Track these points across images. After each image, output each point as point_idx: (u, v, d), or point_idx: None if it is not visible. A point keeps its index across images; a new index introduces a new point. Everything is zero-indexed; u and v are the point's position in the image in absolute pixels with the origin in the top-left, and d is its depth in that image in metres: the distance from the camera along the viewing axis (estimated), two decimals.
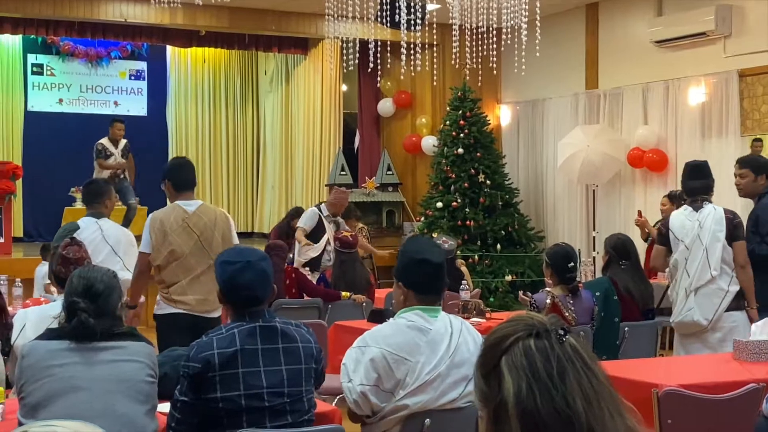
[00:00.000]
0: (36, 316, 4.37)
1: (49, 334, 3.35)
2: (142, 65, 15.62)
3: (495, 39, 9.15)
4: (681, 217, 5.99)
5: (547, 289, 5.93)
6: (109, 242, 5.88)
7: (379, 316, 6.61)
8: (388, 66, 10.11)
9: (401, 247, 3.89)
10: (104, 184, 6.65)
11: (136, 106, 15.53)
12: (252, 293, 3.46)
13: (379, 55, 8.82)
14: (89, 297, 3.31)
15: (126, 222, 10.62)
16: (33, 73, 14.85)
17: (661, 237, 6.15)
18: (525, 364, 1.62)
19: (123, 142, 11.78)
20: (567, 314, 5.70)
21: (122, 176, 11.72)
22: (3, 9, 11.22)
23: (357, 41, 9.29)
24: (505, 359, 1.64)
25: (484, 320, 6.60)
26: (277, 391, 3.38)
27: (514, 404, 1.60)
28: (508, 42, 8.35)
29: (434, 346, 3.53)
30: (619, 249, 6.41)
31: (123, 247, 5.95)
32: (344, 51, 9.25)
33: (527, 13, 8.03)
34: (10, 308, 6.49)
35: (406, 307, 3.63)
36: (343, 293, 7.63)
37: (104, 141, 11.67)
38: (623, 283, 6.27)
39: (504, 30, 8.18)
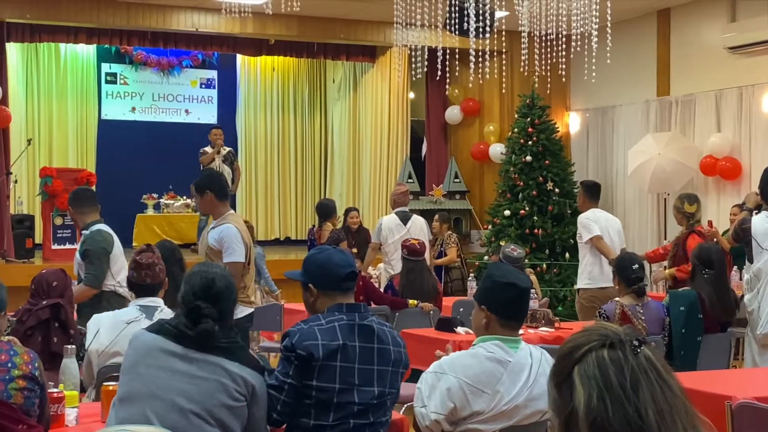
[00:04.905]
0: (110, 321, 4.44)
1: (156, 327, 3.31)
2: (213, 74, 15.84)
3: (564, 46, 9.08)
4: (765, 224, 5.83)
5: (616, 299, 5.85)
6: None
7: (447, 325, 6.60)
8: (456, 73, 10.10)
9: (486, 271, 3.78)
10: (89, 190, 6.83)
11: (207, 114, 15.74)
12: (352, 268, 3.54)
13: (447, 62, 8.82)
14: (209, 299, 3.26)
15: None
16: (107, 82, 15.15)
17: (739, 240, 6.02)
18: (597, 375, 1.61)
19: (226, 149, 11.93)
20: (637, 324, 5.62)
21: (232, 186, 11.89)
22: (78, 19, 11.47)
23: (425, 49, 9.29)
24: (577, 369, 1.64)
25: (553, 330, 6.54)
26: (366, 390, 3.42)
27: (585, 414, 1.59)
28: (578, 49, 8.28)
29: (514, 377, 3.46)
30: (702, 258, 6.23)
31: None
32: (412, 59, 9.26)
33: (598, 20, 7.96)
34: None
35: (487, 334, 3.53)
36: (411, 301, 7.61)
37: (207, 148, 11.86)
38: (707, 295, 6.09)
39: (574, 37, 8.12)
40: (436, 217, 10.55)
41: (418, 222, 9.17)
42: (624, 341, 1.64)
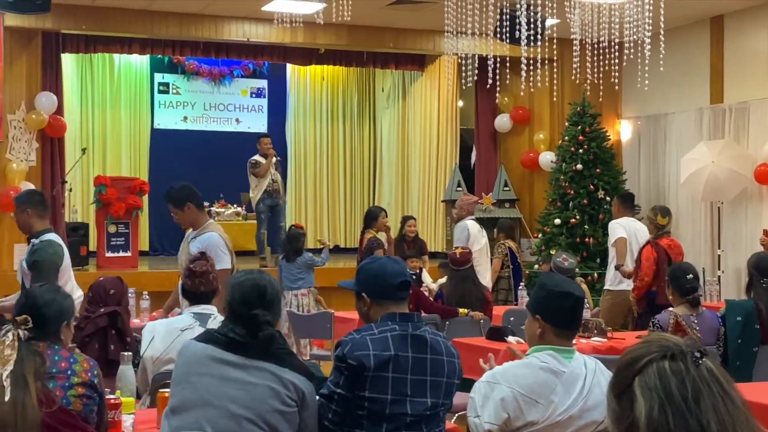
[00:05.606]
0: (164, 329, 4.50)
1: (205, 337, 3.32)
2: (263, 83, 15.97)
3: (617, 53, 9.02)
4: None
5: (670, 309, 5.78)
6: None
7: (498, 334, 6.56)
8: (507, 81, 10.08)
9: (539, 280, 3.77)
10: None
11: (257, 123, 15.86)
12: (405, 278, 3.53)
13: (497, 70, 8.80)
14: (264, 306, 3.28)
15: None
16: (159, 91, 15.35)
17: None
18: (659, 386, 1.61)
19: (275, 159, 12.00)
20: (691, 334, 5.55)
21: (276, 193, 11.92)
22: (132, 30, 11.64)
23: (476, 57, 9.28)
24: (638, 380, 1.64)
25: (605, 340, 6.48)
26: (419, 401, 3.40)
27: (646, 426, 1.60)
28: (631, 56, 8.22)
29: (568, 387, 3.42)
30: (759, 267, 6.12)
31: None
32: (462, 67, 9.25)
33: (650, 27, 7.89)
34: (137, 320, 6.72)
35: (541, 344, 3.50)
36: (461, 310, 7.59)
37: (257, 157, 11.91)
38: (765, 304, 5.99)
39: (626, 44, 8.06)
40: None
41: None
42: (685, 352, 1.63)
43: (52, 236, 5.81)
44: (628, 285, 8.28)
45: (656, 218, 8.19)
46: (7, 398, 3.02)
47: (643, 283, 7.93)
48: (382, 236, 9.66)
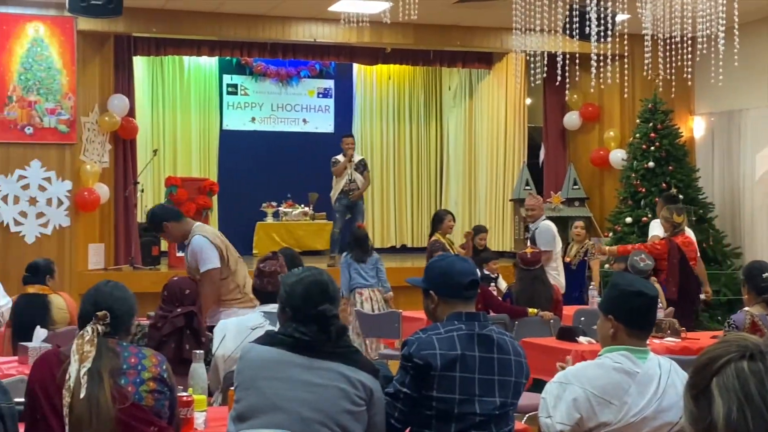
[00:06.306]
0: (235, 327, 4.54)
1: (269, 339, 3.29)
2: (330, 83, 16.05)
3: (689, 48, 8.86)
4: None
5: (746, 308, 5.67)
6: None
7: (568, 334, 6.50)
8: (576, 78, 9.96)
9: (611, 280, 3.72)
10: None
11: (324, 123, 15.95)
12: (473, 276, 3.50)
13: (566, 67, 8.70)
14: (330, 300, 3.26)
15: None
16: (228, 93, 15.52)
17: None
18: (737, 387, 1.59)
19: (357, 157, 12.04)
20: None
21: (352, 193, 11.95)
22: (201, 32, 11.79)
23: (545, 54, 9.20)
24: (716, 381, 1.62)
25: (679, 340, 6.37)
26: (487, 401, 3.37)
27: (725, 427, 1.58)
28: (704, 51, 8.06)
29: (642, 388, 3.37)
30: None
31: None
32: (531, 64, 9.17)
33: (724, 21, 7.73)
34: (207, 320, 6.80)
35: (614, 344, 3.46)
36: (530, 310, 7.54)
37: (339, 157, 11.98)
38: None
39: (699, 39, 7.91)
40: (580, 223, 10.53)
41: None
42: (764, 352, 1.61)
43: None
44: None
45: (672, 216, 8.56)
46: (82, 395, 3.05)
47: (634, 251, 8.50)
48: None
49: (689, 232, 8.98)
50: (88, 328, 3.19)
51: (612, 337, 3.46)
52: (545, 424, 3.42)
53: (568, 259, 10.00)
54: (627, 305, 3.42)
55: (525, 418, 5.39)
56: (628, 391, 3.35)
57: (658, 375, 3.39)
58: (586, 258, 10.16)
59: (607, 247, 9.40)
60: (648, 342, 3.53)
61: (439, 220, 9.66)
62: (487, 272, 8.90)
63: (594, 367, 3.44)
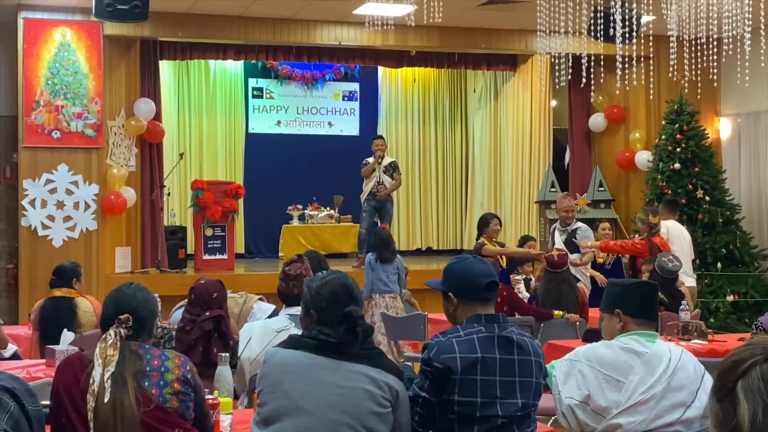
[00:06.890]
0: (260, 330, 4.56)
1: (293, 342, 3.28)
2: (355, 86, 16.07)
3: (715, 49, 8.81)
4: None
5: None
6: None
7: (594, 337, 6.47)
8: (601, 80, 9.93)
9: (608, 281, 4.01)
10: None
11: (349, 126, 15.98)
12: (492, 278, 3.48)
13: (591, 69, 8.68)
14: (355, 302, 3.25)
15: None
16: (253, 96, 15.58)
17: None
18: (763, 390, 1.58)
19: (388, 159, 12.01)
20: None
21: (381, 192, 11.84)
22: (227, 36, 11.84)
23: (569, 56, 9.19)
24: (741, 384, 1.61)
25: (706, 342, 6.33)
26: (509, 402, 3.36)
27: (749, 429, 1.57)
28: (730, 52, 8.01)
29: (650, 367, 3.52)
30: None
31: None
32: (555, 66, 9.15)
33: (750, 22, 7.67)
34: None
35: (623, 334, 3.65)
36: (556, 312, 7.52)
37: (369, 159, 11.93)
38: None
39: (725, 40, 7.86)
40: (606, 225, 10.54)
41: None
42: None
43: None
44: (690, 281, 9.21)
45: (647, 218, 8.93)
46: (107, 399, 3.06)
47: (615, 248, 9.22)
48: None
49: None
50: (111, 332, 3.19)
51: (620, 332, 3.67)
52: (556, 398, 3.64)
53: (600, 261, 9.93)
54: (633, 297, 3.66)
55: (551, 421, 5.37)
56: (635, 369, 3.53)
57: (668, 357, 3.56)
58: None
59: (589, 242, 9.39)
60: (673, 341, 3.69)
61: (485, 224, 9.53)
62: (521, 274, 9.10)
63: (603, 347, 3.64)
